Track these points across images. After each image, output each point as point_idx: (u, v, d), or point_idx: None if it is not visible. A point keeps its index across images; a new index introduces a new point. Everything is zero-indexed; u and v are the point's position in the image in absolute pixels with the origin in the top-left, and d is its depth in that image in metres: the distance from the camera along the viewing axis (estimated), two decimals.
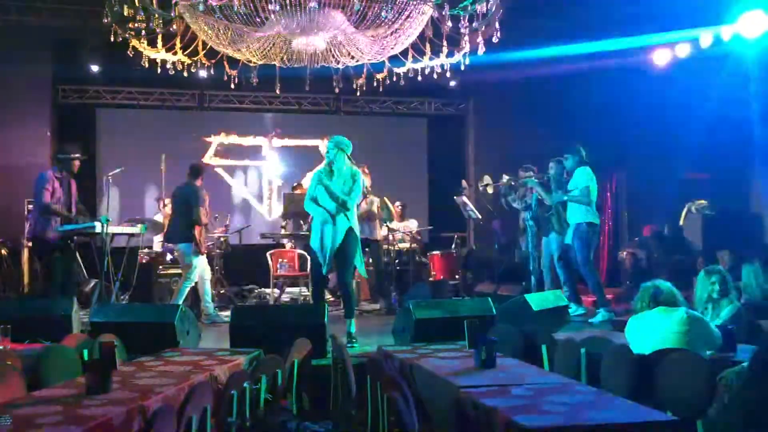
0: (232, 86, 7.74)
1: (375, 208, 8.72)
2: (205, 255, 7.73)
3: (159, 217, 9.53)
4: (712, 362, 3.70)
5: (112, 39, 6.48)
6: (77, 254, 7.53)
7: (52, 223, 6.86)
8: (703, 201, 10.67)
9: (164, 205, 9.60)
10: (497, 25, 6.17)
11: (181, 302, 7.47)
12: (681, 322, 3.95)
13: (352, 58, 7.14)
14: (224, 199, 11.67)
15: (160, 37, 6.69)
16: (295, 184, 10.32)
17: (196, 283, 7.73)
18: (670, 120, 10.91)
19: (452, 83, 11.22)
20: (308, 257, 9.06)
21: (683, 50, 10.13)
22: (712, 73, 10.12)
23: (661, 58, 10.47)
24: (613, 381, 3.78)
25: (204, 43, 6.99)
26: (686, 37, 9.98)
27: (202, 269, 7.73)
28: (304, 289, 9.07)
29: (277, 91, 7.89)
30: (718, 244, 9.50)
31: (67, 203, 7.08)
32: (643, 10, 9.62)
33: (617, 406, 3.02)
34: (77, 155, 7.21)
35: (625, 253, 11.17)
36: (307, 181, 9.56)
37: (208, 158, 11.84)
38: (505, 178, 8.35)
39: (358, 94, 8.15)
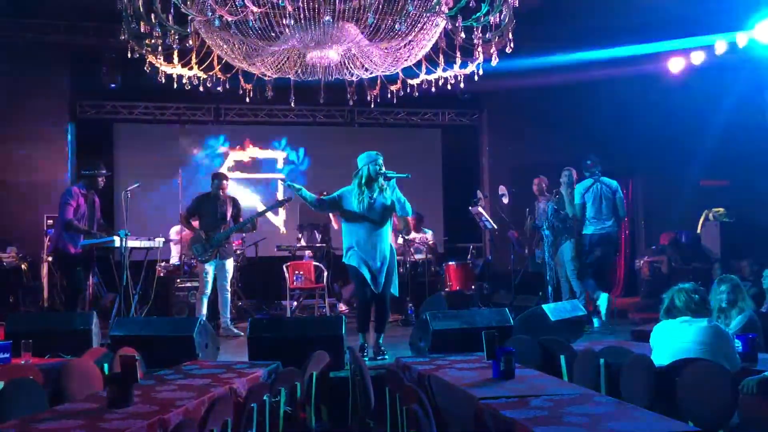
0: (248, 100, 7.79)
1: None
2: (211, 264, 7.61)
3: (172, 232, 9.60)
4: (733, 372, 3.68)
5: (128, 55, 6.56)
6: (96, 268, 7.60)
7: (75, 238, 6.94)
8: (720, 208, 10.60)
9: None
10: (510, 35, 6.16)
11: (201, 312, 7.51)
12: (702, 333, 3.90)
13: (366, 70, 7.16)
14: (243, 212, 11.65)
15: (176, 52, 6.77)
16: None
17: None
18: (686, 127, 10.86)
19: (465, 94, 11.23)
20: (325, 270, 9.12)
21: (698, 57, 10.07)
22: (728, 80, 10.07)
23: (675, 65, 10.42)
24: (633, 391, 3.76)
25: (219, 58, 7.06)
26: (701, 44, 9.92)
27: (219, 279, 7.70)
28: (320, 301, 9.07)
29: (292, 104, 7.95)
30: (736, 252, 9.44)
31: (90, 219, 7.16)
32: (658, 18, 9.58)
33: (638, 417, 3.00)
34: (103, 171, 7.29)
35: (642, 261, 11.10)
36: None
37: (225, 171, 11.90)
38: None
39: (372, 105, 8.16)
